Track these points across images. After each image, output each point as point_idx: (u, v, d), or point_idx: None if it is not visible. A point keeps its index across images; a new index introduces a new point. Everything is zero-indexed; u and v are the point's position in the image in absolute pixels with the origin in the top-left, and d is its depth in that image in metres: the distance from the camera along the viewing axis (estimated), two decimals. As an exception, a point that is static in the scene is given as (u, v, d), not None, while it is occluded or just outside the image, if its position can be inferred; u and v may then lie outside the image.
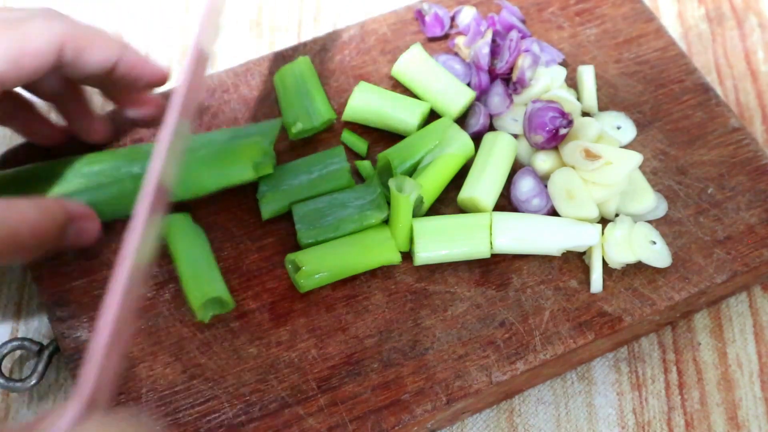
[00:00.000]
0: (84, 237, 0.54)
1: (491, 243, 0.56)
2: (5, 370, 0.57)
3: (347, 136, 0.61)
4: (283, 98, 0.61)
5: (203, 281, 0.54)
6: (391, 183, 0.55)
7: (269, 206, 0.57)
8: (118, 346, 0.40)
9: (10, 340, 0.55)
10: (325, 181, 0.58)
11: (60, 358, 0.57)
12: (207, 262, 0.55)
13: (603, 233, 0.56)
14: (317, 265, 0.54)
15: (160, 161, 0.44)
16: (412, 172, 0.58)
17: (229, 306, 0.54)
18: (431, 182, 0.57)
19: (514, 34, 0.61)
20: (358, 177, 0.59)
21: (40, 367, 0.54)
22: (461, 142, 0.59)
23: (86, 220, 0.55)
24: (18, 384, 0.54)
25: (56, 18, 0.52)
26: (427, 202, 0.57)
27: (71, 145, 0.59)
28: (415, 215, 0.56)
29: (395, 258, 0.55)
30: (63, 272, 0.56)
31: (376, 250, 0.55)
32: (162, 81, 0.56)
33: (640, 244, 0.55)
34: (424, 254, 0.55)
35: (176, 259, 0.55)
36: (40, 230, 0.51)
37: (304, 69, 0.62)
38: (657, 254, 0.56)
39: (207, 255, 0.56)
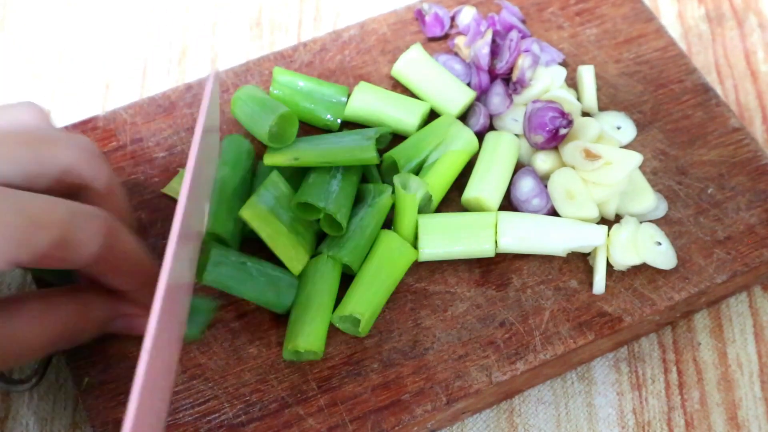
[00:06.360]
0: (132, 330, 0.51)
1: (496, 242, 0.55)
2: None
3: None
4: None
5: (307, 330, 0.52)
6: (396, 180, 0.54)
7: (352, 264, 0.54)
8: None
9: (10, 340, 0.55)
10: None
11: (60, 358, 0.57)
12: (324, 311, 0.53)
13: (608, 234, 0.56)
14: (369, 308, 0.53)
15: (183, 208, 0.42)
16: (418, 170, 0.58)
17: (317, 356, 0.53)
18: (439, 180, 0.57)
19: (514, 34, 0.61)
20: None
21: (40, 367, 0.54)
22: (465, 138, 0.58)
23: (136, 317, 0.51)
24: (18, 384, 0.54)
25: (64, 205, 0.44)
26: (436, 200, 0.57)
27: None
28: (423, 213, 0.56)
29: (414, 256, 0.55)
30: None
31: (401, 261, 0.55)
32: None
33: (645, 246, 0.55)
34: (428, 251, 0.55)
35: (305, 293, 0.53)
36: (76, 330, 0.49)
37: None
38: (662, 255, 0.55)
39: (327, 305, 0.53)
